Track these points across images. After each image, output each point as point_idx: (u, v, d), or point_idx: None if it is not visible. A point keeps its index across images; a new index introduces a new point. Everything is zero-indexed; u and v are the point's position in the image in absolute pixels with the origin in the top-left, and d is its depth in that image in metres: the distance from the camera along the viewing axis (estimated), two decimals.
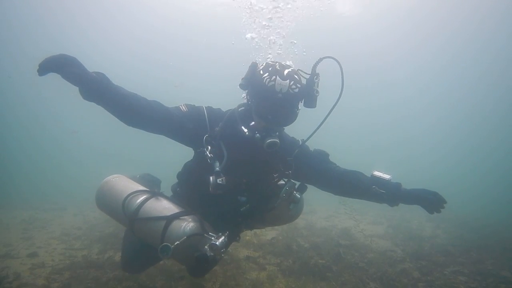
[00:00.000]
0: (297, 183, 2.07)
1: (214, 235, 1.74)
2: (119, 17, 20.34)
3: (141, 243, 2.21)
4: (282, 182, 2.11)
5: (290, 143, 2.14)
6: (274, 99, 1.81)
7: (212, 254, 1.66)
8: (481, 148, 28.28)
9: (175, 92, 28.58)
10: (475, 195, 16.12)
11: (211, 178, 1.82)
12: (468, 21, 17.42)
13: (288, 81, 1.80)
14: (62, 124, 28.61)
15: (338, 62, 1.91)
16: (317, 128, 1.96)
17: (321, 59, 1.89)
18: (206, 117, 2.00)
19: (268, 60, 2.00)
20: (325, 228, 6.14)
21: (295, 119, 1.96)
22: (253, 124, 1.92)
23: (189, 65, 26.71)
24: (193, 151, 2.14)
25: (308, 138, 2.09)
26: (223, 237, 1.71)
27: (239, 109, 2.06)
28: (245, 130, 1.90)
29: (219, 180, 1.81)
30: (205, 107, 2.07)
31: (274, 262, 3.66)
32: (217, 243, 1.66)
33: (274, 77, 1.80)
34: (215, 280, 2.90)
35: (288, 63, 2.00)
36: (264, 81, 1.81)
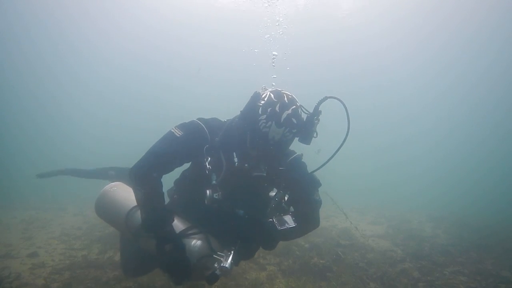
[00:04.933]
0: (287, 195, 2.04)
1: (222, 254, 1.73)
2: (120, 19, 20.33)
3: (140, 251, 2.21)
4: (273, 193, 2.08)
5: (286, 154, 2.10)
6: (265, 145, 1.80)
7: (221, 273, 1.67)
8: (481, 149, 28.29)
9: (174, 94, 28.65)
10: (475, 196, 16.14)
11: (207, 191, 1.82)
12: (468, 21, 17.42)
13: (283, 128, 1.76)
14: (60, 125, 28.69)
15: (343, 103, 1.84)
16: (325, 163, 1.91)
17: (325, 98, 1.82)
18: (205, 128, 1.96)
19: (272, 90, 1.89)
20: (325, 228, 6.14)
21: (285, 154, 2.00)
22: (244, 151, 1.88)
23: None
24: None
25: (315, 171, 2.04)
26: (231, 256, 1.70)
27: (236, 120, 2.01)
28: (235, 159, 1.87)
29: (215, 195, 1.81)
30: (198, 119, 2.02)
31: (274, 262, 3.66)
32: (226, 265, 1.66)
33: (270, 123, 1.76)
34: None
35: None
36: (259, 124, 1.78)
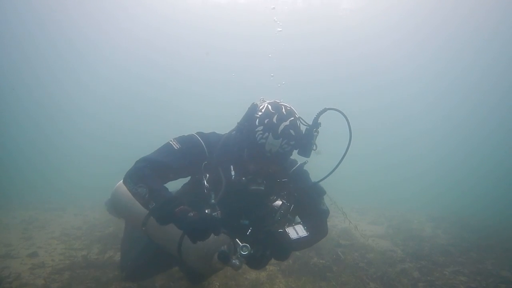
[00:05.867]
0: (292, 206, 2.01)
1: (239, 243, 1.73)
2: (121, 20, 20.34)
3: (146, 251, 2.20)
4: (278, 202, 2.07)
5: (289, 164, 2.08)
6: (262, 158, 1.76)
7: (235, 261, 1.65)
8: (482, 149, 28.30)
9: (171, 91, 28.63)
10: (475, 195, 16.14)
11: (206, 211, 1.79)
12: (468, 21, 17.42)
13: (280, 140, 1.71)
14: (60, 125, 28.70)
15: (344, 114, 1.83)
16: (329, 174, 1.91)
17: (325, 110, 1.81)
18: (203, 144, 1.94)
19: (270, 101, 1.87)
20: None
21: (283, 167, 1.94)
22: (241, 164, 1.86)
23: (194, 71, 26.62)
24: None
25: (318, 181, 2.02)
26: (248, 246, 1.70)
27: (233, 133, 1.98)
28: (233, 172, 1.84)
29: (214, 214, 1.79)
30: (197, 134, 2.00)
31: (274, 262, 3.65)
32: (248, 245, 1.67)
33: (267, 134, 1.71)
34: (215, 280, 2.90)
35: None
36: (256, 136, 1.73)
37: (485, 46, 19.35)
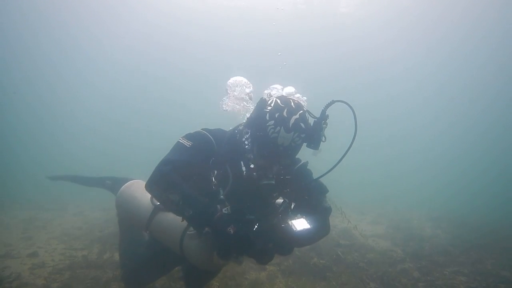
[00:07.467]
0: (293, 204, 2.02)
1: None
2: (127, 18, 20.31)
3: (146, 256, 2.21)
4: (279, 200, 2.07)
5: (293, 162, 2.08)
6: (274, 152, 1.77)
7: (235, 257, 1.67)
8: (479, 147, 28.29)
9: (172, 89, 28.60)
10: (474, 194, 16.14)
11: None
12: (465, 18, 17.42)
13: (292, 133, 1.73)
14: (64, 125, 28.70)
15: (350, 106, 1.83)
16: (331, 169, 1.91)
17: (332, 102, 1.81)
18: (213, 140, 1.94)
19: (278, 96, 1.88)
20: None
21: (293, 161, 1.96)
22: (251, 160, 1.86)
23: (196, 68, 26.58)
24: None
25: (319, 177, 2.02)
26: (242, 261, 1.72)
27: (240, 128, 1.99)
28: (243, 168, 1.85)
29: (224, 210, 1.78)
30: (204, 130, 2.00)
31: (273, 262, 3.64)
32: (242, 260, 1.69)
33: (278, 128, 1.72)
34: (214, 280, 2.90)
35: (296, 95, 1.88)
36: (268, 130, 1.74)
37: (480, 44, 19.34)
